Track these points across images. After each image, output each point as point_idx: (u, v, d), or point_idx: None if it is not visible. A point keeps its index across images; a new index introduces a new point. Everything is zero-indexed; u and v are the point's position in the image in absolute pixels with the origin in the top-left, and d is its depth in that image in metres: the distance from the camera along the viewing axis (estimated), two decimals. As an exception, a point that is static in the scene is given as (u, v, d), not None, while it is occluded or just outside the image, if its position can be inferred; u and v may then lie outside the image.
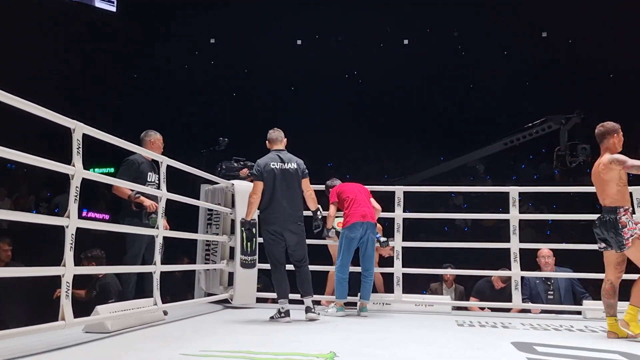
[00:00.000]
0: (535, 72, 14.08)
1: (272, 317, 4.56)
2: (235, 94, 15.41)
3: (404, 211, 5.70)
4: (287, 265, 4.76)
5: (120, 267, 4.24)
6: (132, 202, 4.32)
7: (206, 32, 15.52)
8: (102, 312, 3.55)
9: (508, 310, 5.53)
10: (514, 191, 5.50)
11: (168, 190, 4.27)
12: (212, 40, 15.63)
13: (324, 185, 5.67)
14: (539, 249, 5.80)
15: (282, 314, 4.53)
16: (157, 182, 4.51)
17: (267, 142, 4.89)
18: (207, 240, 5.67)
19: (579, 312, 5.34)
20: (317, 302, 5.87)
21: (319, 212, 4.81)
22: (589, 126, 12.12)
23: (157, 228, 4.19)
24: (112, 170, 11.36)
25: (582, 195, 10.79)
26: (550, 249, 5.78)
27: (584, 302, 5.41)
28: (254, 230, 4.84)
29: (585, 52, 13.56)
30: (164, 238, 4.22)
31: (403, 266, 5.50)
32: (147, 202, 4.33)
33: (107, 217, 10.79)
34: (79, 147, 3.21)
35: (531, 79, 14.32)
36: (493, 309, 5.65)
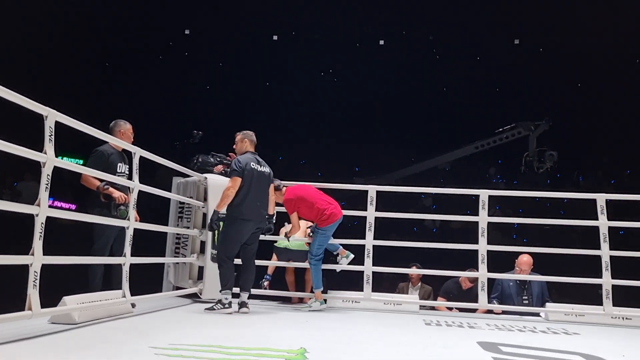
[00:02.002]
0: (507, 79, 14.35)
1: (212, 308, 4.64)
2: (210, 87, 15.26)
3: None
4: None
5: (90, 258, 4.16)
6: (101, 193, 4.24)
7: (181, 23, 15.32)
8: (69, 303, 3.49)
9: (474, 310, 5.65)
10: (484, 194, 5.60)
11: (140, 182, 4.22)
12: (187, 32, 15.44)
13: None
14: (513, 253, 5.90)
15: (227, 305, 4.65)
16: (127, 173, 4.44)
17: (242, 141, 4.97)
18: (177, 234, 5.62)
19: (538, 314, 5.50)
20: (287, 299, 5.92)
21: (273, 217, 5.12)
22: (557, 133, 12.53)
23: (128, 220, 4.14)
24: (81, 162, 11.13)
25: (550, 201, 11.17)
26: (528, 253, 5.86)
27: (547, 304, 5.56)
28: (220, 223, 4.85)
29: (555, 60, 13.88)
30: (135, 230, 4.17)
31: (372, 265, 5.55)
32: (116, 194, 4.25)
33: (73, 207, 10.57)
34: (51, 135, 3.15)
35: (502, 85, 14.59)
36: (460, 309, 5.77)
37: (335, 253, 5.65)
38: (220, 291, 4.72)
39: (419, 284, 6.59)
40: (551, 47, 14.15)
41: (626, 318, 5.22)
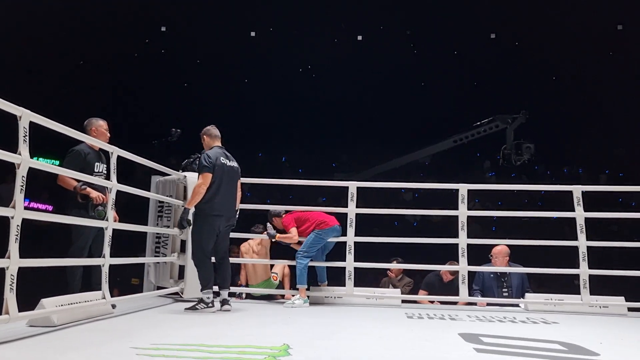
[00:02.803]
0: (484, 73, 14.49)
1: (194, 308, 4.59)
2: (187, 85, 15.13)
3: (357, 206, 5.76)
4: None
5: (68, 260, 4.09)
6: (78, 193, 4.17)
7: (157, 20, 15.13)
8: (47, 306, 3.43)
9: (456, 303, 5.71)
10: (463, 188, 5.65)
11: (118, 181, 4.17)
12: (163, 29, 15.26)
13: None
14: (493, 245, 5.97)
15: (209, 304, 4.62)
16: (104, 172, 4.38)
17: (207, 137, 4.95)
18: (157, 233, 5.57)
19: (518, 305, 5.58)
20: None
21: (237, 212, 5.06)
22: (533, 126, 12.69)
23: (107, 220, 4.09)
24: (56, 163, 10.95)
25: (528, 194, 11.34)
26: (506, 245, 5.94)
27: (526, 295, 5.64)
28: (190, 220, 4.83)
29: (530, 54, 14.05)
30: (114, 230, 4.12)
31: (354, 260, 5.57)
32: (94, 194, 4.18)
33: (50, 208, 10.41)
34: (26, 136, 3.09)
35: (480, 79, 14.73)
36: (442, 302, 5.83)
37: (318, 283, 5.72)
38: (201, 290, 4.69)
39: (401, 276, 6.65)
40: (527, 41, 14.33)
41: (603, 306, 5.34)
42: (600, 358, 3.02)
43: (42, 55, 13.58)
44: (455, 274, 5.87)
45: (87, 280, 4.26)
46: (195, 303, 4.67)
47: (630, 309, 5.35)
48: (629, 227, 9.61)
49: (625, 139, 13.04)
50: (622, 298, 5.43)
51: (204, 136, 4.97)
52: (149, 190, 5.48)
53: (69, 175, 4.06)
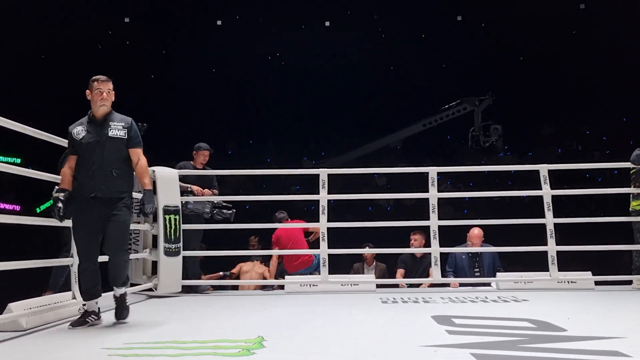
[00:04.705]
0: (451, 55, 14.60)
1: (82, 322, 3.58)
2: (154, 76, 14.87)
3: (329, 193, 5.77)
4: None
5: (38, 262, 3.99)
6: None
7: (120, 11, 14.80)
8: (15, 310, 3.37)
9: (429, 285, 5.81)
10: (432, 171, 5.70)
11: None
12: (127, 20, 14.93)
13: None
14: (464, 226, 6.09)
15: (96, 318, 3.68)
16: None
17: None
18: (128, 229, 5.49)
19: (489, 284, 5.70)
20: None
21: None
22: (501, 107, 12.85)
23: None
24: (18, 160, 10.69)
25: (497, 174, 11.51)
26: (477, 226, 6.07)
27: (497, 274, 5.75)
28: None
29: (497, 35, 14.20)
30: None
31: (328, 247, 5.59)
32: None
33: (17, 208, 10.17)
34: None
35: (447, 62, 14.84)
36: (417, 285, 5.93)
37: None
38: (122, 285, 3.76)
39: (374, 263, 6.70)
40: (492, 23, 14.46)
41: (571, 282, 5.47)
42: (567, 333, 3.11)
43: (1, 49, 13.17)
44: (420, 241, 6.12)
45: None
46: (80, 316, 3.67)
47: (596, 283, 5.50)
48: (595, 202, 9.87)
49: (591, 117, 13.33)
50: (589, 273, 5.58)
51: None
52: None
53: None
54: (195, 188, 5.71)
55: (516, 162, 9.36)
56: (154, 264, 5.37)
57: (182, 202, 5.56)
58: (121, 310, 3.77)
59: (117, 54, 14.48)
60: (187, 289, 5.50)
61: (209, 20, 14.90)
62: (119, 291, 3.75)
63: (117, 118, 3.81)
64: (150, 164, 5.46)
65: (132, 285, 5.33)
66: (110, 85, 3.81)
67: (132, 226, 5.33)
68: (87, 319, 3.62)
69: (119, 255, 3.69)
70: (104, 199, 3.62)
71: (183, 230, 5.38)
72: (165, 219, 5.25)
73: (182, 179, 5.70)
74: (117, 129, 3.74)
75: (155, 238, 5.36)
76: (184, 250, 5.36)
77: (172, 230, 5.28)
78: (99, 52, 14.76)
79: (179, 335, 3.22)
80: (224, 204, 5.76)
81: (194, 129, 12.47)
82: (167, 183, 5.37)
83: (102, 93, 3.73)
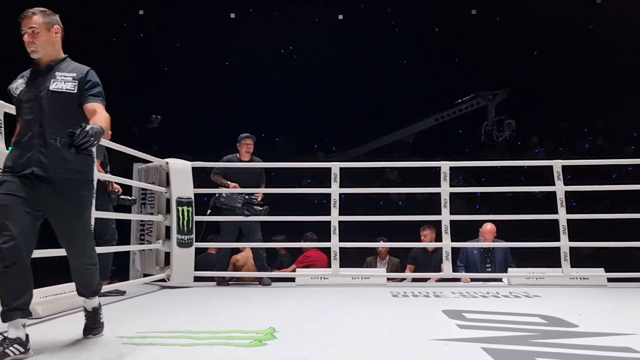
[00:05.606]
0: (465, 49, 14.48)
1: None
2: (167, 69, 14.93)
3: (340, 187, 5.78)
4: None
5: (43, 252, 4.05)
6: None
7: (134, 4, 14.84)
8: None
9: (440, 279, 5.80)
10: (445, 166, 5.69)
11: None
12: (141, 12, 14.98)
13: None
14: (476, 221, 6.08)
15: (15, 349, 2.51)
16: None
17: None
18: (141, 220, 5.56)
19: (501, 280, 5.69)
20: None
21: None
22: (514, 102, 12.74)
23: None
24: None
25: (510, 169, 11.43)
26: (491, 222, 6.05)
27: (509, 269, 5.74)
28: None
29: (511, 30, 14.06)
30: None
31: (340, 241, 5.60)
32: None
33: None
34: (1, 127, 3.05)
35: (461, 56, 14.73)
36: (426, 279, 5.93)
37: None
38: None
39: (387, 257, 6.71)
40: (507, 17, 14.32)
41: (583, 278, 5.45)
42: (578, 329, 3.10)
43: (19, 44, 13.25)
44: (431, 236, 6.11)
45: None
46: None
47: (609, 280, 5.47)
48: (613, 199, 9.76)
49: (605, 112, 13.17)
50: (602, 269, 5.54)
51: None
52: (131, 178, 5.46)
53: None
54: (230, 184, 5.67)
55: (531, 158, 9.27)
56: (167, 255, 5.43)
57: (215, 195, 5.62)
58: (93, 327, 2.95)
59: (131, 46, 14.54)
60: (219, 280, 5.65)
61: (222, 14, 14.88)
62: (90, 303, 2.92)
63: (69, 67, 2.77)
64: (163, 157, 5.55)
65: (145, 275, 5.42)
66: (38, 20, 2.68)
67: (146, 217, 5.42)
68: (6, 350, 2.44)
69: (81, 259, 2.79)
70: (46, 179, 2.59)
71: (219, 222, 5.50)
72: (178, 211, 5.30)
73: (225, 174, 5.72)
74: (64, 80, 2.68)
75: (168, 229, 5.41)
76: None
77: (185, 222, 5.33)
78: (114, 45, 14.83)
79: (191, 325, 3.26)
80: (257, 200, 5.68)
81: (206, 120, 12.54)
82: (180, 175, 5.43)
83: (24, 35, 2.71)
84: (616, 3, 12.89)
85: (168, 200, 5.39)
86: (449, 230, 5.57)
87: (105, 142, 4.31)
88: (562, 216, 5.48)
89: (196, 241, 5.53)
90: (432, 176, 5.79)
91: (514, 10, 13.89)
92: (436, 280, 5.92)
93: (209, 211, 5.68)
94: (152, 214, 5.47)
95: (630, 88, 12.70)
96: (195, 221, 5.51)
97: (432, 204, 8.36)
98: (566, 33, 13.46)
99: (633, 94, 12.60)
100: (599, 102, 13.03)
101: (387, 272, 6.27)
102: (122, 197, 4.77)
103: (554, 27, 13.31)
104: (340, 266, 5.58)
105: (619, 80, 12.78)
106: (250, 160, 5.81)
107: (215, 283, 5.64)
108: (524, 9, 13.66)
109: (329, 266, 5.63)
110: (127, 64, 14.06)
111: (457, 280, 5.81)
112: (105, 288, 4.30)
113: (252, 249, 5.83)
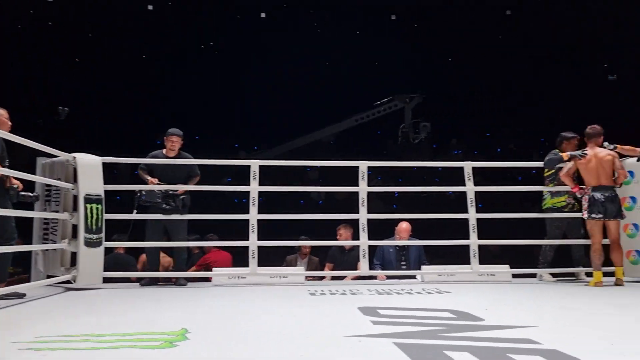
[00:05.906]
0: (384, 53, 14.82)
1: None
2: (78, 60, 14.14)
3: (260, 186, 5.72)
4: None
5: None
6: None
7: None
8: None
9: (356, 277, 5.90)
10: (362, 165, 5.78)
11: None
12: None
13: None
14: (393, 220, 6.23)
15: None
16: None
17: None
18: (45, 218, 5.22)
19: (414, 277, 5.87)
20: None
21: None
22: (430, 106, 13.19)
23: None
24: None
25: (427, 170, 11.83)
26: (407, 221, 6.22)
27: (422, 267, 5.92)
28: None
29: (428, 36, 14.56)
30: None
31: (258, 239, 5.54)
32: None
33: None
34: None
35: (380, 59, 15.06)
36: (343, 277, 6.00)
37: None
38: None
39: (308, 257, 6.74)
40: (425, 23, 14.81)
41: (490, 274, 5.72)
42: (484, 323, 3.24)
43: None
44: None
45: None
46: None
47: (514, 275, 5.78)
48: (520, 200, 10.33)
49: (512, 118, 13.96)
50: (507, 266, 5.85)
51: None
52: (34, 174, 5.10)
53: None
54: (150, 179, 5.46)
55: (451, 160, 9.65)
56: (73, 255, 5.13)
57: (136, 192, 5.40)
58: None
59: (39, 35, 13.61)
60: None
61: (139, 4, 14.29)
62: None
63: None
64: (71, 152, 5.24)
65: (49, 276, 5.09)
66: None
67: (50, 215, 5.10)
68: None
69: None
70: None
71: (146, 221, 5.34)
72: (86, 208, 5.02)
73: (151, 170, 5.52)
74: None
75: (75, 228, 5.11)
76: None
77: (94, 220, 5.06)
78: (19, 33, 13.84)
79: (97, 328, 3.08)
80: (175, 192, 5.45)
81: (119, 117, 11.99)
82: (89, 170, 5.14)
83: None
84: (524, 16, 13.72)
85: (75, 198, 5.09)
86: (366, 229, 5.65)
87: (4, 133, 3.99)
88: (472, 215, 5.72)
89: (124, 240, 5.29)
90: (353, 176, 5.85)
91: (433, 17, 14.41)
92: (353, 278, 6.01)
93: (135, 211, 5.42)
94: (57, 211, 5.15)
95: (541, 95, 13.57)
96: (128, 220, 5.37)
97: (352, 203, 8.48)
98: (479, 42, 14.13)
99: (544, 100, 13.46)
100: (509, 108, 13.81)
101: (307, 270, 6.27)
102: (22, 193, 4.46)
103: (468, 36, 13.94)
104: (261, 265, 5.52)
105: (530, 87, 13.60)
106: (178, 156, 5.64)
107: (138, 284, 5.46)
108: (441, 18, 14.21)
109: (233, 266, 5.58)
110: (34, 53, 13.17)
111: (374, 277, 5.92)
112: (2, 291, 4.03)
113: (172, 248, 5.66)
